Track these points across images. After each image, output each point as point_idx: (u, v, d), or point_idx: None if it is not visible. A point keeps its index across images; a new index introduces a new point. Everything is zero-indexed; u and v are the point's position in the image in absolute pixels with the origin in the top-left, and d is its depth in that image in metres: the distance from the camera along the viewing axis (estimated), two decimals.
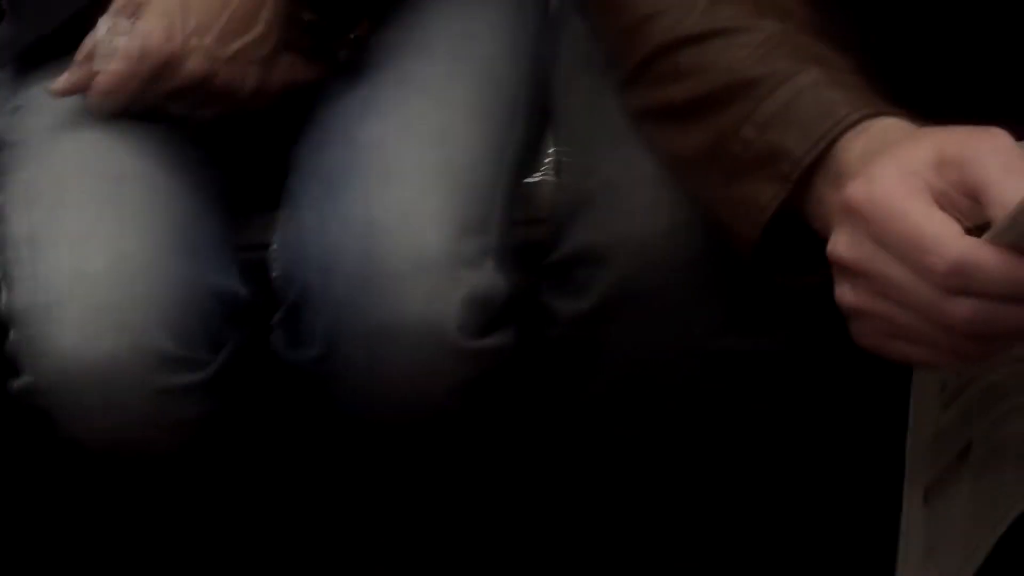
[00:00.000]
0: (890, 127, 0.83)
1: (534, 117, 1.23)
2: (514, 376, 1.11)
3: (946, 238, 0.74)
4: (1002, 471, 0.94)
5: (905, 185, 0.76)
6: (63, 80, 1.15)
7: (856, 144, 0.83)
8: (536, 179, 1.24)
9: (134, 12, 1.13)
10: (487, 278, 1.09)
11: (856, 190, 0.78)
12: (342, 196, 1.10)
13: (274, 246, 1.15)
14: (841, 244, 0.79)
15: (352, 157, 1.12)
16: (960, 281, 0.73)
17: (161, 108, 1.16)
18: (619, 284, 0.98)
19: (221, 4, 1.13)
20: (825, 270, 0.85)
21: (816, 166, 0.85)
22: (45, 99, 1.18)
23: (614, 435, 1.06)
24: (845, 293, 0.80)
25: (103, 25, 1.12)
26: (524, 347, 1.10)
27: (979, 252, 0.73)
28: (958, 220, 0.75)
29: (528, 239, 1.16)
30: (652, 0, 0.94)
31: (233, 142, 1.22)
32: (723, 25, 0.91)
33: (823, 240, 0.84)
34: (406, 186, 1.10)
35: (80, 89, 1.15)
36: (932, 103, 0.86)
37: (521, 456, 1.23)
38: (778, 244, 0.89)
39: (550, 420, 1.09)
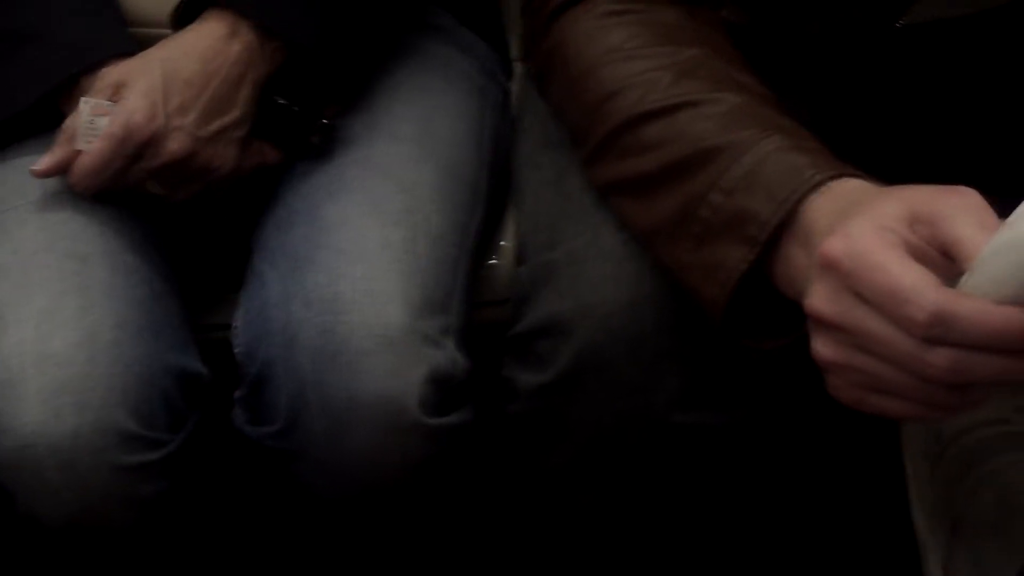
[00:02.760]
0: (855, 187, 0.85)
1: (495, 200, 1.27)
2: (476, 451, 1.12)
3: (925, 289, 0.75)
4: (986, 544, 0.95)
5: (881, 239, 0.77)
6: (45, 160, 1.15)
7: (822, 204, 0.85)
8: (495, 262, 1.26)
9: (115, 92, 1.14)
10: (447, 356, 1.11)
11: (834, 245, 0.79)
12: (306, 273, 1.12)
13: (236, 322, 1.16)
14: (819, 299, 0.80)
15: (316, 235, 1.14)
16: (940, 331, 0.74)
17: (140, 187, 1.17)
18: (581, 356, 1.00)
19: (201, 85, 1.15)
20: (792, 333, 0.87)
21: (783, 227, 0.86)
22: (12, 178, 1.19)
23: (576, 505, 1.07)
24: (822, 347, 0.81)
25: (84, 106, 1.13)
26: (486, 423, 1.12)
27: (957, 302, 0.74)
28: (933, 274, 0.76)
29: (487, 320, 1.19)
30: (616, 78, 0.97)
31: (197, 222, 1.24)
32: (687, 99, 0.93)
33: (790, 304, 0.86)
34: (369, 264, 1.11)
35: (62, 169, 1.15)
36: (885, 173, 0.88)
37: (485, 527, 1.24)
38: (746, 308, 0.91)
39: (512, 491, 1.10)
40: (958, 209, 0.76)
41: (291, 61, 1.18)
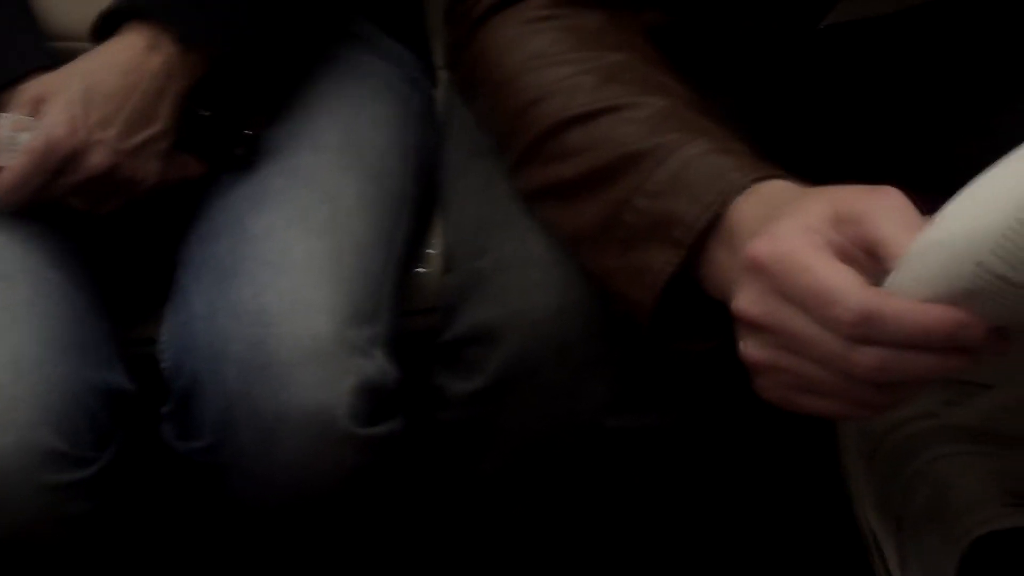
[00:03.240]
0: (780, 189, 0.86)
1: (421, 209, 1.26)
2: (408, 459, 1.12)
3: (850, 289, 0.75)
4: (926, 537, 0.96)
5: (807, 240, 0.77)
6: None
7: (747, 207, 0.85)
8: (422, 270, 1.26)
9: (36, 107, 1.13)
10: (376, 366, 1.10)
11: (760, 247, 0.79)
12: (232, 285, 1.11)
13: (162, 337, 1.16)
14: (746, 300, 0.80)
15: (242, 247, 1.13)
16: (866, 330, 0.75)
17: (63, 202, 1.16)
18: (510, 362, 1.00)
19: (122, 98, 1.14)
20: (719, 335, 0.88)
21: (709, 230, 0.87)
22: None
23: (510, 511, 1.07)
24: (750, 349, 0.81)
25: (5, 121, 1.12)
26: (416, 432, 1.11)
27: (883, 301, 0.75)
28: (859, 273, 0.77)
29: (416, 329, 1.18)
30: (540, 84, 0.97)
31: (121, 237, 1.23)
32: (611, 103, 0.93)
33: (717, 307, 0.86)
34: (296, 275, 1.11)
35: None
36: (811, 173, 0.88)
37: (421, 534, 1.24)
38: (673, 311, 0.91)
39: (443, 498, 1.10)
40: (882, 209, 0.77)
41: (213, 72, 1.18)
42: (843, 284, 0.75)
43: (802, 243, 0.77)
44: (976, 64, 1.09)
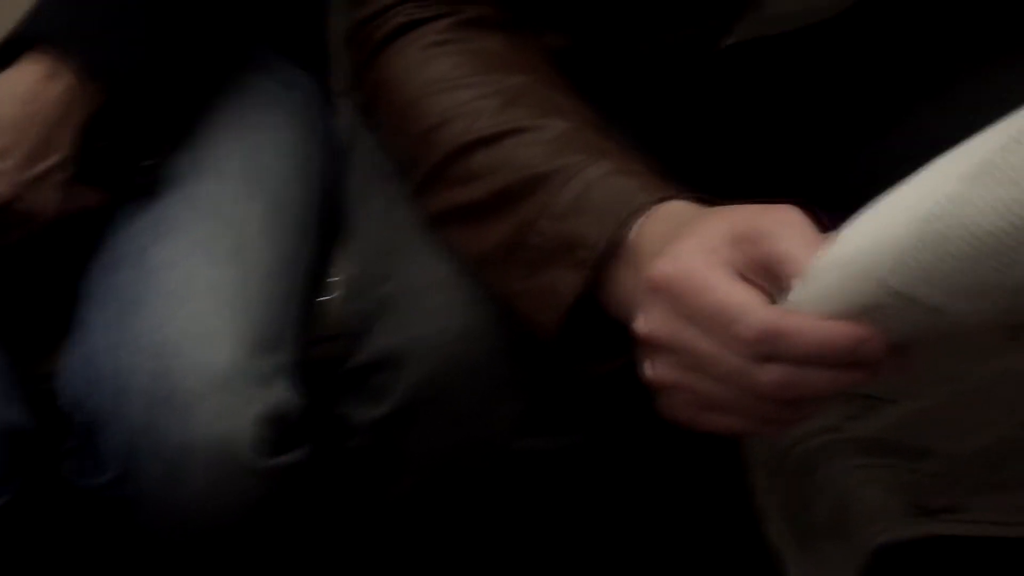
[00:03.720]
0: (681, 209, 0.86)
1: (325, 235, 1.25)
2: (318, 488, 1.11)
3: (751, 307, 0.76)
4: (827, 548, 0.96)
5: (707, 260, 0.78)
6: None
7: (650, 227, 0.86)
8: (328, 297, 1.25)
9: None
10: (281, 395, 1.09)
11: (661, 267, 0.80)
12: (133, 317, 1.09)
13: (63, 371, 1.13)
14: (647, 321, 0.81)
15: (143, 278, 1.12)
16: (767, 347, 0.75)
17: None
18: (417, 387, 1.00)
19: (21, 128, 1.12)
20: (625, 356, 0.88)
21: (612, 251, 0.87)
22: None
23: (422, 536, 1.07)
24: (653, 369, 0.82)
25: None
26: (324, 461, 1.11)
27: (784, 319, 0.75)
28: (761, 291, 0.77)
29: (323, 356, 1.17)
30: (442, 107, 0.97)
31: (20, 269, 1.20)
32: (513, 125, 0.93)
33: (622, 328, 0.86)
34: (199, 305, 1.10)
35: None
36: (712, 191, 0.89)
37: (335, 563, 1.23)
38: (579, 333, 0.91)
39: (358, 525, 1.10)
40: (781, 226, 0.77)
41: (113, 101, 1.16)
42: (743, 302, 0.76)
43: (702, 263, 0.78)
44: (871, 81, 1.11)
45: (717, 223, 0.80)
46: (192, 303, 1.10)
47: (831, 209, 0.79)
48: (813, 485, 0.97)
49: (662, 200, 0.87)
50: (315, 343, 1.20)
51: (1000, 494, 1.02)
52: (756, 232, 0.78)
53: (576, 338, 0.91)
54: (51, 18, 1.14)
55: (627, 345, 0.86)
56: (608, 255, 0.87)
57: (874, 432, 0.99)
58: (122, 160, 1.17)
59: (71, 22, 1.14)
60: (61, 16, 1.14)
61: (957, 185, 0.67)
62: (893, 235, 0.70)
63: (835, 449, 1.00)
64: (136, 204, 1.18)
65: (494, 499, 1.04)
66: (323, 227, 1.25)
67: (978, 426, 0.97)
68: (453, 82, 0.97)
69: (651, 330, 0.81)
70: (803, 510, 0.98)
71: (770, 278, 0.77)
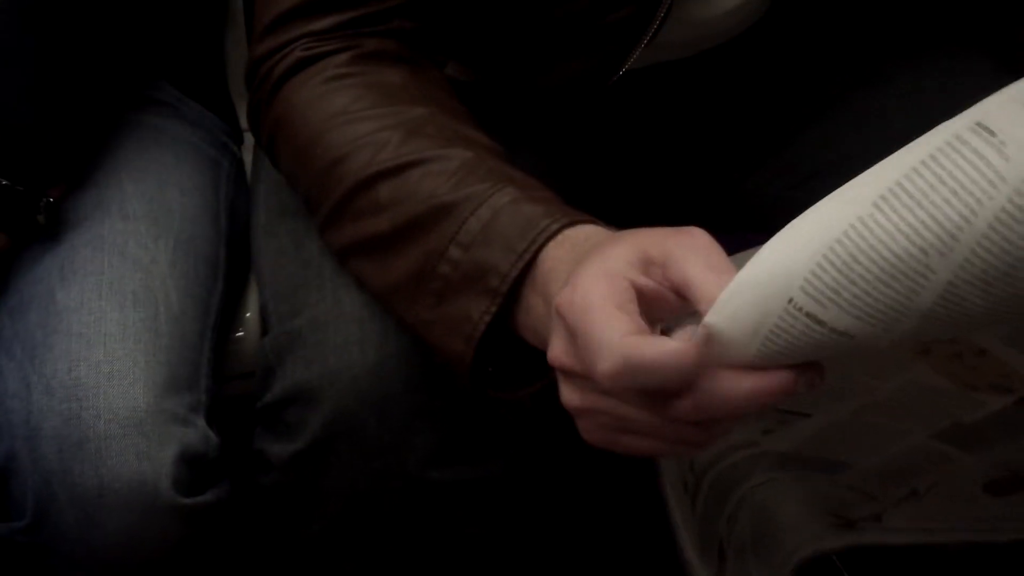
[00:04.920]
0: (590, 233, 0.86)
1: (235, 272, 1.25)
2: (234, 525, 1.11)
3: (608, 344, 0.75)
4: (749, 565, 0.97)
5: (603, 288, 0.77)
6: None
7: (557, 253, 0.86)
8: (240, 334, 1.25)
9: None
10: (198, 434, 1.09)
11: (562, 296, 0.79)
12: (45, 360, 1.08)
13: None
14: (556, 348, 0.80)
15: (53, 321, 1.11)
16: (627, 381, 0.75)
17: None
18: (331, 421, 0.99)
19: None
20: (540, 382, 0.88)
21: (523, 277, 0.87)
22: None
23: (338, 571, 1.06)
24: (568, 394, 0.81)
25: None
26: (241, 499, 1.10)
27: (640, 351, 0.74)
28: (664, 317, 0.78)
29: (237, 393, 1.17)
30: (344, 141, 0.96)
31: None
32: (417, 156, 0.93)
33: (535, 353, 0.86)
34: (110, 347, 1.09)
35: None
36: (618, 216, 0.90)
37: None
38: (492, 360, 0.91)
39: (273, 561, 1.09)
40: (687, 249, 0.77)
41: (11, 141, 1.15)
42: (603, 338, 0.75)
43: (596, 292, 0.77)
44: (765, 101, 1.12)
45: (620, 247, 0.80)
46: (103, 345, 1.09)
47: (734, 230, 0.80)
48: (734, 502, 0.97)
49: (569, 225, 0.87)
50: (229, 380, 1.20)
51: (916, 502, 1.03)
52: (663, 255, 0.77)
53: (490, 366, 0.91)
54: None
55: (543, 371, 0.85)
56: (519, 283, 0.87)
57: (791, 446, 1.00)
58: (22, 199, 1.16)
59: None
60: None
61: (867, 207, 0.67)
62: (802, 255, 0.70)
63: (754, 464, 1.01)
64: (41, 246, 1.17)
65: (413, 530, 1.04)
66: (232, 264, 1.25)
67: (891, 437, 0.98)
68: (355, 115, 0.97)
69: (559, 357, 0.80)
70: (725, 528, 0.98)
71: (680, 301, 0.77)
